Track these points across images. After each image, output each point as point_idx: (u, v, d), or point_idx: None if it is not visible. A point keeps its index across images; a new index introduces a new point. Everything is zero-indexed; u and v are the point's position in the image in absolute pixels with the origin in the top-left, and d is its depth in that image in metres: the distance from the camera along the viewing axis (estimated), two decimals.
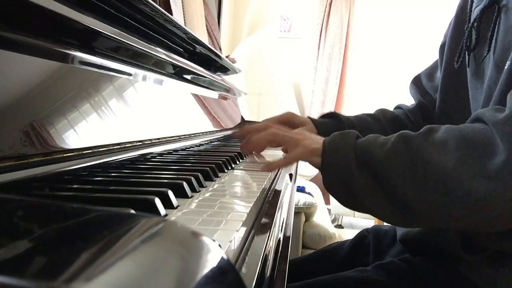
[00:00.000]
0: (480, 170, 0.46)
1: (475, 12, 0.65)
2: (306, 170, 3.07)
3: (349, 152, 0.54)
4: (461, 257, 0.63)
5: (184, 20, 1.10)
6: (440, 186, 0.48)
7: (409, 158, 0.51)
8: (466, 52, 0.68)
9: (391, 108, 0.95)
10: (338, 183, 0.55)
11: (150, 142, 0.69)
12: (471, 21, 0.66)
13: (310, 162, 0.59)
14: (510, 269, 0.59)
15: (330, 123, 0.84)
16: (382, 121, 0.85)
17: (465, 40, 0.68)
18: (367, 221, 3.27)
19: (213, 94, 1.23)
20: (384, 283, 0.66)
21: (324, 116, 0.88)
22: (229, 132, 1.30)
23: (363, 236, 0.89)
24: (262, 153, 0.97)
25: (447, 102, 0.77)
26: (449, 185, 0.48)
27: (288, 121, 0.83)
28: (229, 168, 0.69)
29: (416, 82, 0.91)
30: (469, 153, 0.48)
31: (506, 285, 0.59)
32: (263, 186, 0.55)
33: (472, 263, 0.63)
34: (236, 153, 0.79)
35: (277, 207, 0.48)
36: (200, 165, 0.61)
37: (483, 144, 0.47)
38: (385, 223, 0.89)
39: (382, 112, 0.88)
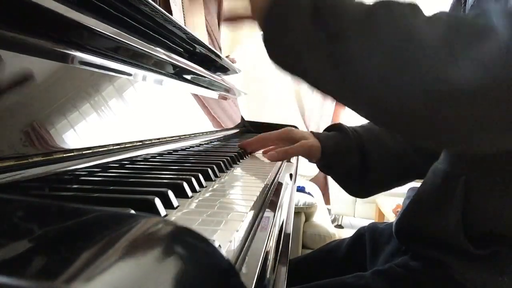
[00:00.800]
0: (469, 53, 0.37)
1: (470, 2, 0.57)
2: (306, 170, 3.07)
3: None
4: (462, 250, 0.58)
5: (184, 20, 1.10)
6: (413, 59, 0.39)
7: (385, 21, 0.41)
8: None
9: None
10: (277, 29, 0.45)
11: (150, 142, 0.69)
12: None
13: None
14: (509, 278, 0.56)
15: (333, 136, 0.81)
16: None
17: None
18: (367, 221, 3.27)
19: (213, 94, 1.23)
20: None
21: (328, 129, 0.86)
22: (229, 132, 1.30)
23: (360, 235, 0.88)
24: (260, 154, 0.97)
25: None
26: (424, 59, 0.38)
27: (288, 136, 0.82)
28: (229, 168, 0.69)
29: None
30: (460, 32, 0.39)
31: None
32: (263, 186, 0.55)
33: (474, 270, 0.59)
34: (236, 153, 0.79)
35: (277, 207, 0.48)
36: (200, 165, 0.61)
37: (481, 27, 0.38)
38: (384, 222, 0.88)
39: None
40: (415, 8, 0.42)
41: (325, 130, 0.86)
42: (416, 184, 0.73)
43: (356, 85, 0.43)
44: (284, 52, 0.46)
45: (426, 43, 0.38)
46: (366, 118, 0.48)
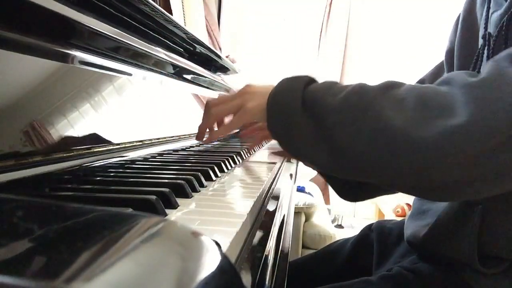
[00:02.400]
0: (431, 128, 0.43)
1: (494, 18, 0.59)
2: (306, 170, 3.07)
3: (296, 96, 0.52)
4: (475, 269, 0.59)
5: (184, 20, 1.10)
6: (388, 140, 0.45)
7: (359, 110, 0.48)
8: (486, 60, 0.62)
9: None
10: (281, 129, 0.53)
11: (150, 142, 0.69)
12: (492, 27, 0.59)
13: (257, 121, 0.59)
14: None
15: None
16: None
17: (485, 48, 0.61)
18: (367, 221, 3.27)
19: (213, 94, 1.23)
20: None
21: None
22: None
23: (366, 234, 0.86)
24: (262, 154, 0.97)
25: None
26: (393, 139, 0.45)
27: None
28: (229, 168, 0.69)
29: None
30: (424, 112, 0.45)
31: None
32: (263, 186, 0.55)
33: (487, 276, 0.59)
34: (236, 153, 0.79)
35: (277, 207, 0.48)
36: (200, 165, 0.61)
37: (442, 106, 0.44)
38: (391, 220, 0.87)
39: None
40: (388, 87, 0.49)
41: None
42: None
43: (353, 170, 0.51)
44: (288, 139, 0.54)
45: (395, 125, 0.45)
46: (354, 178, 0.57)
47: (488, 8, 0.62)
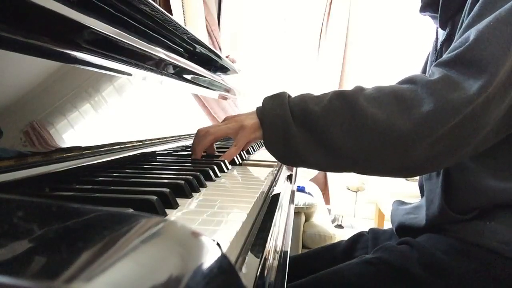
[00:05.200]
0: (409, 117, 0.55)
1: (439, 45, 0.79)
2: (306, 170, 3.07)
3: (285, 110, 0.60)
4: (451, 220, 0.67)
5: (184, 20, 1.10)
6: (375, 134, 0.56)
7: (345, 112, 0.57)
8: None
9: None
10: (278, 142, 0.60)
11: (150, 142, 0.69)
12: (436, 52, 0.79)
13: (256, 139, 0.66)
14: (496, 222, 0.63)
15: None
16: None
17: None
18: (367, 221, 3.27)
19: (213, 94, 1.23)
20: (384, 259, 0.68)
21: None
22: None
23: (361, 234, 0.91)
24: (262, 154, 0.97)
25: None
26: (382, 131, 0.55)
27: None
28: (229, 168, 0.69)
29: None
30: (399, 105, 0.56)
31: (492, 237, 0.63)
32: (263, 186, 0.55)
33: (465, 222, 0.66)
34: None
35: (277, 207, 0.48)
36: (200, 165, 0.61)
37: (411, 99, 0.56)
38: (384, 226, 0.90)
39: None
40: (359, 91, 0.60)
41: None
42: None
43: (351, 164, 0.60)
44: (284, 149, 0.61)
45: (380, 119, 0.56)
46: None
47: (437, 39, 0.80)
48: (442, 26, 0.77)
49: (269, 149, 0.63)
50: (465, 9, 0.66)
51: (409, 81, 0.59)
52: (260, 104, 0.66)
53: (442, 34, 0.79)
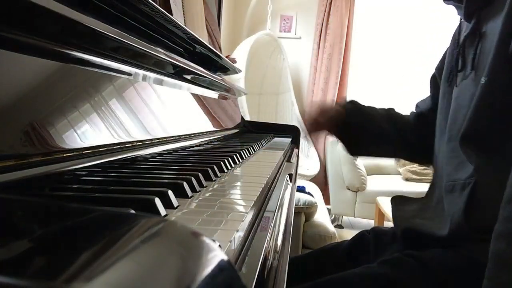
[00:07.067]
0: None
1: (461, 39, 0.74)
2: (306, 170, 3.07)
3: None
4: (469, 238, 0.65)
5: (184, 20, 1.10)
6: None
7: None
8: (455, 73, 0.76)
9: (393, 107, 1.00)
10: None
11: (150, 142, 0.69)
12: (459, 46, 0.75)
13: None
14: None
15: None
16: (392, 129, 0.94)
17: (454, 63, 0.76)
18: (367, 221, 3.27)
19: (213, 94, 1.23)
20: (390, 276, 0.67)
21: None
22: (229, 132, 1.30)
23: (363, 235, 0.90)
24: (261, 154, 0.97)
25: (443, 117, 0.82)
26: None
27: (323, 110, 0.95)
28: (229, 168, 0.69)
29: (432, 80, 0.93)
30: None
31: None
32: (263, 186, 0.55)
33: (481, 243, 0.63)
34: (236, 153, 0.79)
35: (277, 207, 0.48)
36: (200, 165, 0.61)
37: None
38: (384, 225, 0.90)
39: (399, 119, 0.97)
40: None
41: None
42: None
43: None
44: None
45: None
46: None
47: (460, 31, 0.76)
48: (467, 18, 0.73)
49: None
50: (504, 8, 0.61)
51: None
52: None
53: (465, 26, 0.75)
